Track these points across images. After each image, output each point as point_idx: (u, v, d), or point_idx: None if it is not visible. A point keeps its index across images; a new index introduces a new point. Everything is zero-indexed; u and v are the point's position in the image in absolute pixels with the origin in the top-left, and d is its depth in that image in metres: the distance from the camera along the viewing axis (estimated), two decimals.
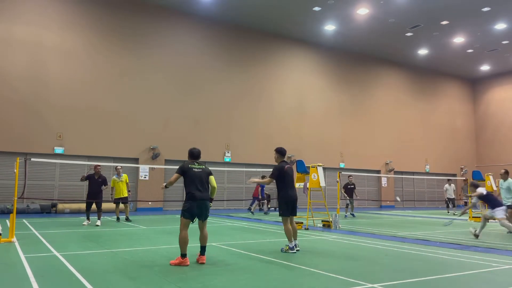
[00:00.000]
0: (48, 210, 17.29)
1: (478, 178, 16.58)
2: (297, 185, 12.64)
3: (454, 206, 21.21)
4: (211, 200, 6.68)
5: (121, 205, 13.57)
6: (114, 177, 13.45)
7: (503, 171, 11.74)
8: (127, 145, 19.64)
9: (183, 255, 6.27)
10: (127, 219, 13.58)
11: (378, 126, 28.29)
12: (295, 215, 7.73)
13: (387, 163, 28.21)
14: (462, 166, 32.11)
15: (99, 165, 12.64)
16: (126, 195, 13.41)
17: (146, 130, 20.15)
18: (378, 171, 27.79)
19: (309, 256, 7.18)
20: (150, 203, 19.69)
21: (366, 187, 27.33)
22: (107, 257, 6.89)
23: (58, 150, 18.15)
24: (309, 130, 25.22)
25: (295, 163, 11.80)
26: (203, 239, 6.52)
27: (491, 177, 16.44)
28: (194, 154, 6.84)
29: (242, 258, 6.95)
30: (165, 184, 6.82)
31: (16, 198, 8.87)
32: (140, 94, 20.21)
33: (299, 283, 5.25)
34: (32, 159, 10.69)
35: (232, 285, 5.07)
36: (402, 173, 29.19)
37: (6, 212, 15.58)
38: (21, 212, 16.32)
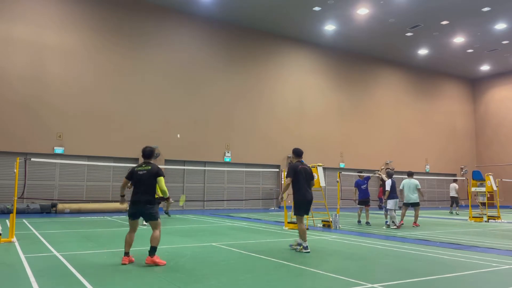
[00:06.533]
0: (48, 210, 17.28)
1: (478, 178, 16.59)
2: None
3: (457, 205, 21.10)
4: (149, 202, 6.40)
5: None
6: None
7: None
8: (127, 145, 19.63)
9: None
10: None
11: (378, 126, 28.29)
12: (307, 215, 8.11)
13: (387, 163, 28.18)
14: (462, 166, 32.09)
15: None
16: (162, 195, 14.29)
17: (146, 130, 20.14)
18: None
19: (309, 256, 7.18)
20: None
21: None
22: (107, 257, 6.89)
23: (58, 150, 18.15)
24: (309, 130, 25.21)
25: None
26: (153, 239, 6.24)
27: (491, 177, 16.44)
28: (144, 153, 6.56)
29: (242, 258, 6.95)
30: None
31: (16, 198, 8.86)
32: (140, 94, 20.20)
33: (299, 283, 5.24)
34: (32, 159, 10.69)
35: (232, 285, 5.07)
36: (402, 173, 29.14)
37: (6, 212, 15.58)
38: (21, 212, 16.31)
